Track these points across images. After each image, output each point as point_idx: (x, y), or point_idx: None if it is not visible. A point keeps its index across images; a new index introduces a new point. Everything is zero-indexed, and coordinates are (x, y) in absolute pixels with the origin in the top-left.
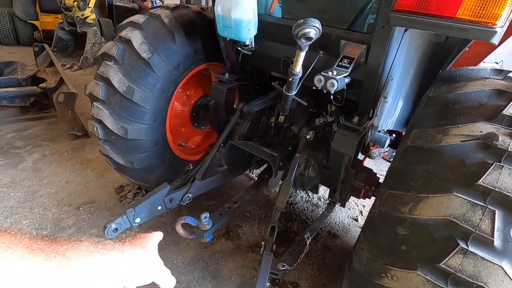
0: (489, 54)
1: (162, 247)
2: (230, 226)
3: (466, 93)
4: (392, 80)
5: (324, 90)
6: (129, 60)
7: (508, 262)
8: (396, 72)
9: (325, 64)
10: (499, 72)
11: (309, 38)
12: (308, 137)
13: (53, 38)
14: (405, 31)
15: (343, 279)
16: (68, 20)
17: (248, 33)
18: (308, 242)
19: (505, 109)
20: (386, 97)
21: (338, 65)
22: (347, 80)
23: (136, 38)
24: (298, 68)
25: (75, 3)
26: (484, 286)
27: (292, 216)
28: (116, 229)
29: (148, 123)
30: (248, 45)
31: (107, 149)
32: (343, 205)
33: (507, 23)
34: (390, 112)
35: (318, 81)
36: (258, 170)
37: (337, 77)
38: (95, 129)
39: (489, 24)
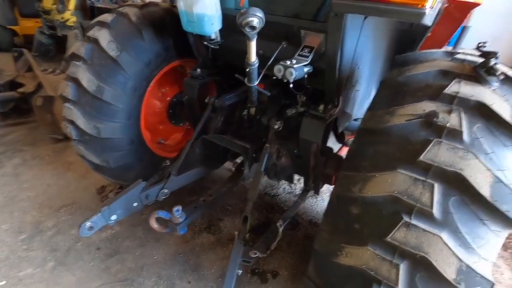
0: (451, 36)
1: (142, 244)
2: (211, 220)
3: (414, 75)
4: (359, 68)
5: (284, 79)
6: (97, 59)
7: (447, 232)
8: (364, 60)
9: (290, 54)
10: (450, 54)
11: (253, 27)
12: (276, 127)
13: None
14: (365, 18)
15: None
16: (47, 23)
17: (211, 27)
18: (280, 230)
19: (447, 88)
20: (355, 86)
21: (299, 55)
22: (307, 68)
23: (103, 37)
24: (253, 58)
25: (54, 6)
26: (426, 255)
27: (274, 208)
28: (92, 227)
29: (121, 121)
30: (214, 39)
31: (82, 149)
32: (316, 193)
33: (439, 5)
34: (364, 100)
35: (278, 70)
36: (237, 162)
37: (295, 65)
38: (68, 130)
39: (418, 6)
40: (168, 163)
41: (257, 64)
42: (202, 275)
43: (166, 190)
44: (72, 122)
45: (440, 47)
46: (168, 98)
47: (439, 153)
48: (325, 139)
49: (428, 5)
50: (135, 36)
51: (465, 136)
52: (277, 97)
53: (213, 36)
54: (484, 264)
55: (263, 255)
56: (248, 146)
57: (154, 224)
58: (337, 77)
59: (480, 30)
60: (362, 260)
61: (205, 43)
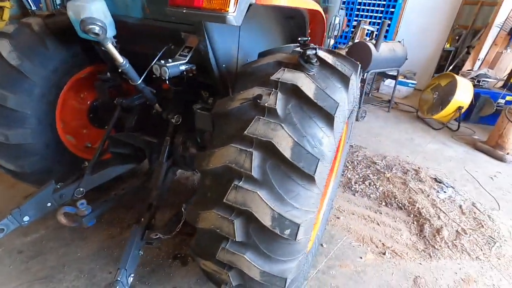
0: (324, 31)
1: (67, 244)
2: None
3: (258, 66)
4: None
5: (162, 76)
6: None
7: (265, 189)
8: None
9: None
10: (295, 47)
11: (96, 34)
12: (173, 121)
13: None
14: None
15: None
16: None
17: None
18: (185, 213)
19: (273, 75)
20: None
21: (179, 54)
22: (184, 67)
23: (4, 47)
24: (120, 60)
25: None
26: (249, 209)
27: None
28: (2, 230)
29: (31, 127)
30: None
31: None
32: None
33: (242, 8)
34: None
35: (155, 69)
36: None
37: (169, 64)
38: None
39: (222, 11)
40: (87, 164)
41: (127, 65)
42: None
43: (81, 189)
44: None
45: (320, 40)
46: (88, 102)
47: (258, 127)
48: None
49: (230, 10)
50: (38, 45)
51: (279, 112)
52: (181, 94)
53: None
54: (296, 211)
55: (166, 236)
56: (155, 141)
57: (62, 219)
58: (217, 72)
59: (411, 23)
60: (210, 222)
61: (103, 48)
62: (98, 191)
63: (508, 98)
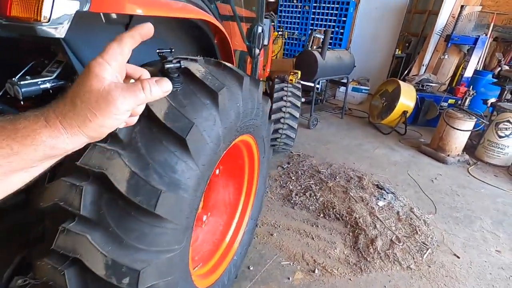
0: (228, 42)
1: None
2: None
3: None
4: None
5: (17, 97)
6: None
7: (99, 231)
8: None
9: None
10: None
11: None
12: None
13: None
14: (126, 28)
15: None
16: None
17: None
18: None
19: None
20: None
21: (48, 70)
22: (48, 84)
23: None
24: None
25: None
26: (79, 257)
27: None
28: None
29: None
30: None
31: None
32: None
33: (64, 16)
34: None
35: (9, 88)
36: None
37: (23, 82)
38: None
39: (33, 20)
40: None
41: None
42: None
43: None
44: None
45: (229, 51)
46: None
47: (92, 156)
48: None
49: (43, 19)
50: None
51: (122, 137)
52: None
53: None
54: (140, 254)
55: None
56: None
57: None
58: None
59: (363, 31)
60: (44, 273)
61: None
62: None
63: (450, 101)
